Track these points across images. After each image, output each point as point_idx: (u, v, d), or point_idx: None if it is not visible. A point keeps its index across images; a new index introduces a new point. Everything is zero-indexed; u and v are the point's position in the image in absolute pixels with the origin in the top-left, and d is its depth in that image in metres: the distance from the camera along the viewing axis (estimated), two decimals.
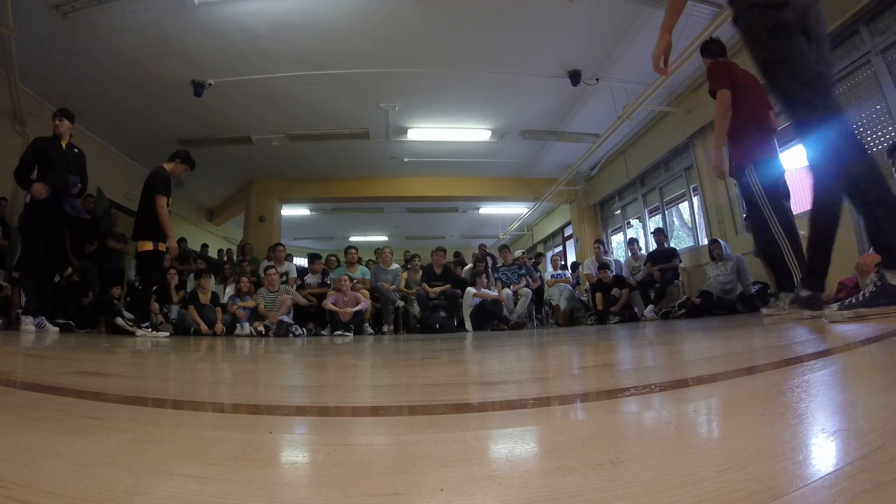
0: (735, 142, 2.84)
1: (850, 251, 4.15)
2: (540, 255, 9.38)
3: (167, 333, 4.16)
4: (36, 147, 3.83)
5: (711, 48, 3.22)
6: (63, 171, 3.82)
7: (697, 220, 6.55)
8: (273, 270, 5.50)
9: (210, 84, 5.71)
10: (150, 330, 4.04)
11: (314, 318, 5.77)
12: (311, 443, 0.48)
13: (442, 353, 1.91)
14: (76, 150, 4.03)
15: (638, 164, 7.66)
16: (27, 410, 0.64)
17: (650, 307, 5.70)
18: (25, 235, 3.82)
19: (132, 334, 4.14)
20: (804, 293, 1.92)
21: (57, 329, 3.81)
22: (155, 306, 5.26)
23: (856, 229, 4.09)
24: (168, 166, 4.29)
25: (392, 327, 5.96)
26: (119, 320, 4.70)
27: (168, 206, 4.21)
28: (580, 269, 7.43)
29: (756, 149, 2.80)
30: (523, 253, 8.47)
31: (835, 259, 4.59)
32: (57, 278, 4.77)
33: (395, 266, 6.42)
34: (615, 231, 9.04)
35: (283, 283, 5.81)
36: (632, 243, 6.76)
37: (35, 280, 3.77)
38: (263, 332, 5.14)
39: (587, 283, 6.94)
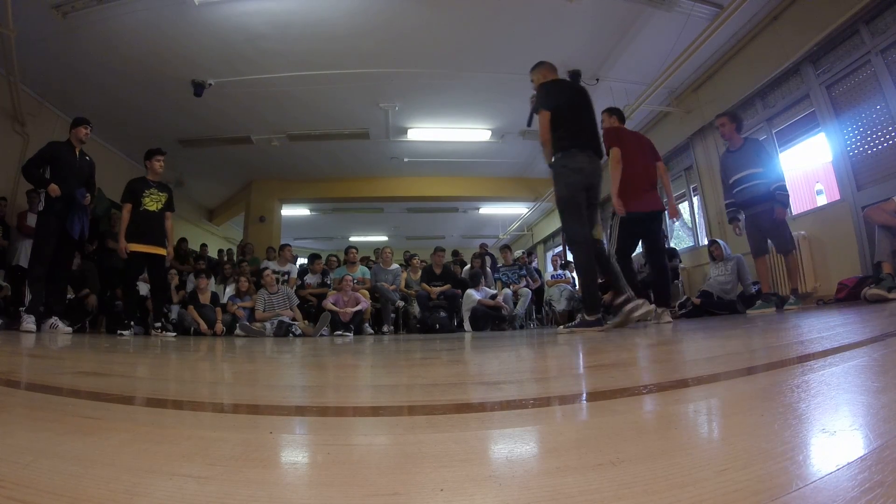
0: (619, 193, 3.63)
1: (850, 253, 4.16)
2: (531, 254, 9.34)
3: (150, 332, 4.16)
4: (51, 151, 3.81)
5: (616, 114, 4.10)
6: (75, 180, 3.84)
7: (697, 220, 6.55)
8: (268, 271, 5.51)
9: (210, 84, 5.71)
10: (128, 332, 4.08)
11: (314, 318, 5.78)
12: (311, 443, 0.48)
13: (442, 353, 1.91)
14: (87, 158, 4.04)
15: None
16: (27, 410, 0.64)
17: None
18: (38, 238, 3.81)
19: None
20: (589, 318, 2.90)
21: (70, 329, 3.82)
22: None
23: (856, 234, 4.10)
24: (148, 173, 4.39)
25: (392, 327, 5.96)
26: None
27: (143, 206, 4.20)
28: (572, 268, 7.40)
29: (626, 203, 3.57)
30: (523, 253, 8.46)
31: (836, 262, 4.61)
32: (71, 295, 4.81)
33: (395, 266, 6.42)
34: None
35: (283, 282, 5.82)
36: None
37: (41, 281, 3.76)
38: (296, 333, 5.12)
39: None
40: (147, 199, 4.24)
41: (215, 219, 10.95)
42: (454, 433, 0.48)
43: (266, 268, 5.64)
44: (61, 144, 3.90)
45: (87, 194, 3.92)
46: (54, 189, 3.68)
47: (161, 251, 4.31)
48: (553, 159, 3.03)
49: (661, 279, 3.76)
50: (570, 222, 3.02)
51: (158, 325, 4.48)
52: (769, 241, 4.05)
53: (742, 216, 4.15)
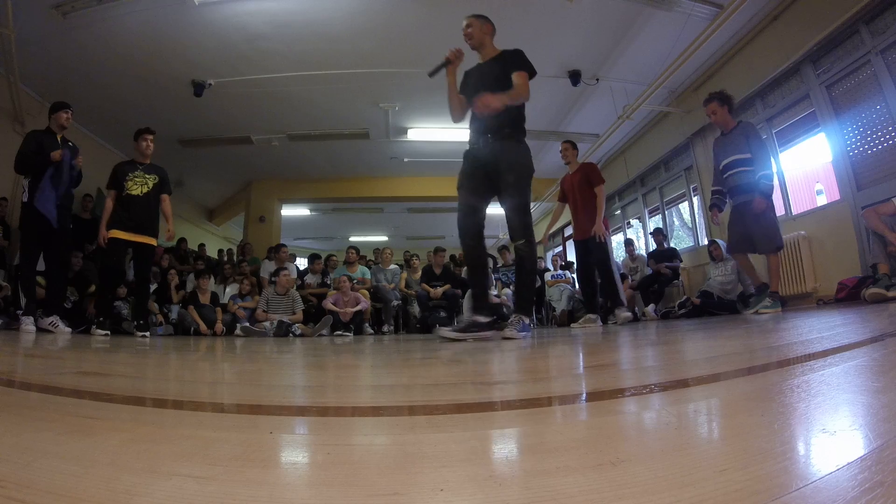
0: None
1: (850, 253, 4.16)
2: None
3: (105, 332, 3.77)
4: (35, 140, 3.69)
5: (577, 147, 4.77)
6: (61, 168, 3.71)
7: (697, 220, 6.56)
8: (286, 271, 5.50)
9: (210, 84, 5.71)
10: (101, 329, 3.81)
11: (314, 318, 5.77)
12: (311, 443, 0.48)
13: (442, 353, 1.90)
14: (70, 144, 3.91)
15: (638, 164, 7.65)
16: (27, 410, 0.64)
17: (651, 306, 5.71)
18: (24, 236, 3.77)
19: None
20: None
21: (70, 330, 3.78)
22: (154, 306, 5.27)
23: (856, 234, 4.10)
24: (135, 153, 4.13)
25: (392, 327, 5.97)
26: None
27: (126, 190, 3.89)
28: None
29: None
30: None
31: (836, 262, 4.58)
32: (75, 297, 4.73)
33: (393, 266, 6.44)
34: (615, 231, 9.03)
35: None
36: (629, 244, 6.77)
37: (33, 281, 3.74)
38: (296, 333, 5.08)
39: None
40: (130, 183, 3.90)
41: (215, 219, 10.95)
42: (454, 433, 0.48)
43: (285, 269, 5.61)
44: (42, 133, 3.75)
45: (77, 148, 3.86)
46: (55, 156, 3.62)
47: (148, 241, 3.94)
48: (515, 137, 2.64)
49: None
50: (530, 213, 2.68)
51: (142, 322, 4.04)
52: (754, 238, 3.72)
53: (727, 205, 3.93)
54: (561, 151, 4.69)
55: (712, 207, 4.04)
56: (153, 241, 4.01)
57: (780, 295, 3.83)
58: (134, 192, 3.92)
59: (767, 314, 3.47)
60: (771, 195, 3.61)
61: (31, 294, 3.74)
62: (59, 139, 3.80)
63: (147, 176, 4.01)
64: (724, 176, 3.87)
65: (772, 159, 3.75)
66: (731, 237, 3.92)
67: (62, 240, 3.85)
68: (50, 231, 3.68)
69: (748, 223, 3.71)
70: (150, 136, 4.08)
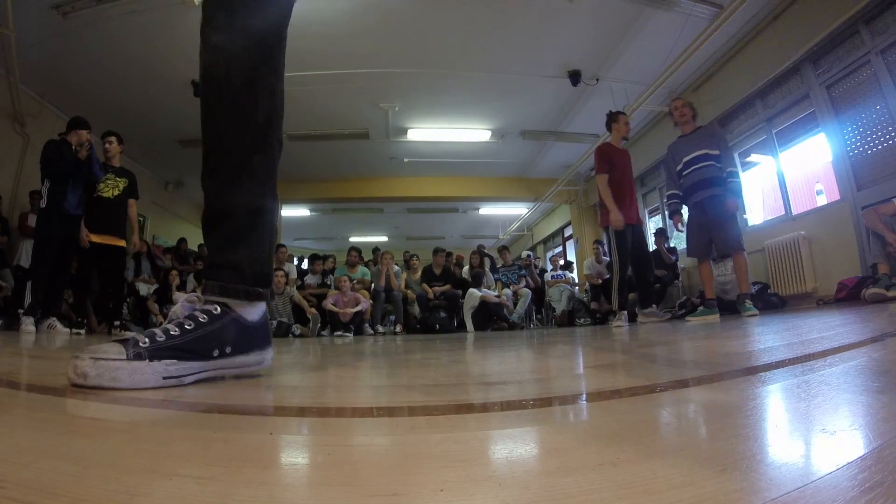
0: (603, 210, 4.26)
1: (850, 253, 4.16)
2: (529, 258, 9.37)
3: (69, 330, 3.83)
4: (56, 149, 3.82)
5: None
6: (74, 178, 3.85)
7: None
8: (281, 272, 5.50)
9: None
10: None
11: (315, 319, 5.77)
12: (311, 443, 0.48)
13: (442, 353, 1.90)
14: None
15: (638, 165, 7.62)
16: (27, 410, 0.64)
17: (653, 307, 5.70)
18: (39, 236, 3.81)
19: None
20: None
21: (68, 330, 3.80)
22: (154, 306, 5.27)
23: (856, 234, 4.10)
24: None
25: (393, 327, 5.97)
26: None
27: (97, 192, 3.99)
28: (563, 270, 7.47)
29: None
30: (528, 256, 8.45)
31: (836, 262, 4.60)
32: (71, 299, 4.75)
33: (395, 268, 6.46)
34: None
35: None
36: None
37: (43, 284, 3.75)
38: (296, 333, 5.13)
39: (587, 283, 6.95)
40: (102, 185, 4.01)
41: None
42: (454, 433, 0.48)
43: (279, 268, 5.61)
44: (59, 143, 3.88)
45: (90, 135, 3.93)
46: (82, 142, 3.76)
47: (118, 242, 4.06)
48: None
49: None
50: None
51: (118, 323, 4.13)
52: (714, 238, 3.63)
53: (685, 209, 3.82)
54: (625, 125, 4.35)
55: (673, 214, 3.95)
56: (122, 243, 4.13)
57: (714, 302, 3.76)
58: (105, 195, 4.03)
59: (695, 321, 3.48)
60: (741, 194, 3.62)
61: (39, 295, 3.75)
62: (74, 149, 3.91)
63: (118, 179, 4.13)
64: (687, 171, 3.70)
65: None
66: (691, 242, 3.80)
67: (72, 246, 3.92)
68: (67, 237, 3.77)
69: (712, 221, 3.56)
70: (111, 138, 4.20)
